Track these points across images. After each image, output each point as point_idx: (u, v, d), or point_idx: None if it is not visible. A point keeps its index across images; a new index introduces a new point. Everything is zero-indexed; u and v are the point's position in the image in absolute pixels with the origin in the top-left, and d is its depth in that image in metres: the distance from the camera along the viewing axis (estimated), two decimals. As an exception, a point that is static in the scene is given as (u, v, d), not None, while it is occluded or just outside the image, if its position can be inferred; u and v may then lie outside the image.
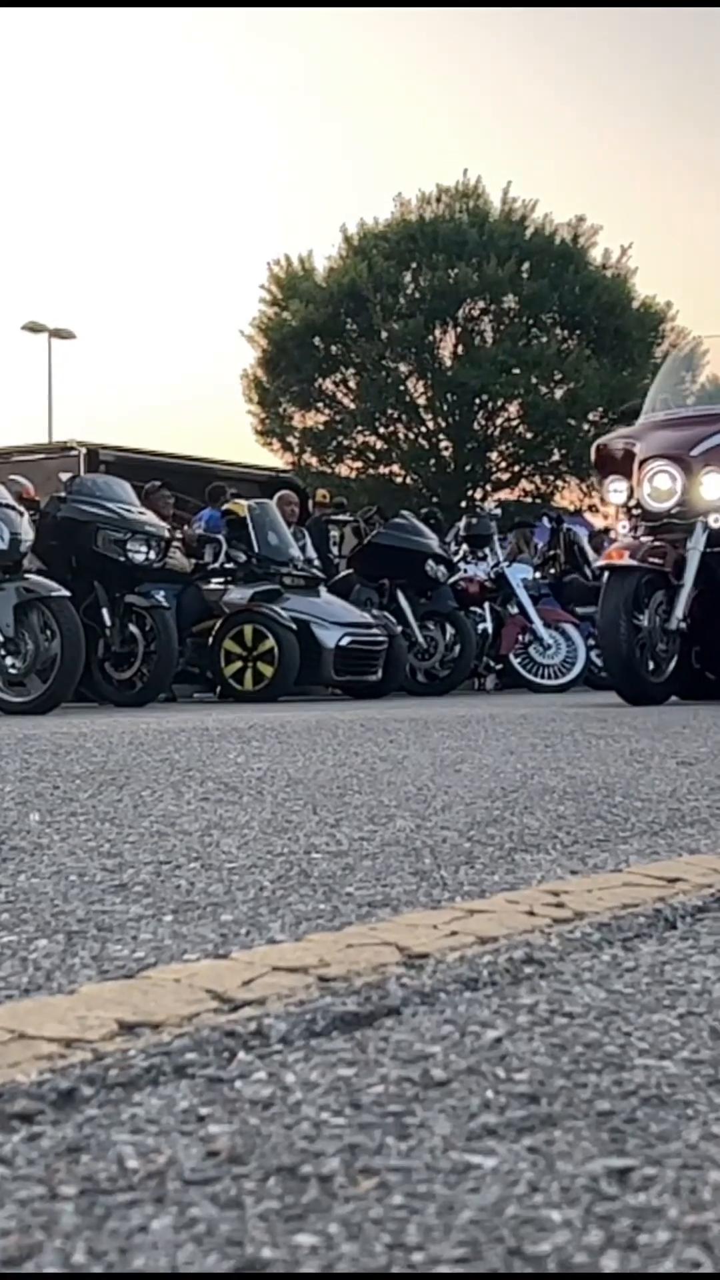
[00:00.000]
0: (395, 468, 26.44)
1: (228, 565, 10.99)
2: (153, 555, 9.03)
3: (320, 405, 26.10)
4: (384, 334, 24.97)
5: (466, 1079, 0.97)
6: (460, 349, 25.37)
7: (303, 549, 11.88)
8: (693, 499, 7.41)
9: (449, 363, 25.41)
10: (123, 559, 8.84)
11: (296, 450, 26.05)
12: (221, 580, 11.02)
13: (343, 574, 12.67)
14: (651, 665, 7.37)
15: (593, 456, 8.33)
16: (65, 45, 54.43)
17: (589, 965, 1.32)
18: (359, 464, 26.42)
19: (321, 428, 26.10)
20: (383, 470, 26.34)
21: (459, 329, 25.45)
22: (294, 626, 10.22)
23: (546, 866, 1.89)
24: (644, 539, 7.47)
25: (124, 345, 50.65)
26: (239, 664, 10.33)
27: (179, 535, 10.95)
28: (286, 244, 46.22)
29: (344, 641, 10.52)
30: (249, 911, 1.55)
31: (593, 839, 2.16)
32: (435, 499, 23.12)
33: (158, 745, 3.90)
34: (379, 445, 26.24)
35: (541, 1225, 0.73)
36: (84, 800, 2.60)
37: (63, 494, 9.14)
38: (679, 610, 7.33)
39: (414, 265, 25.29)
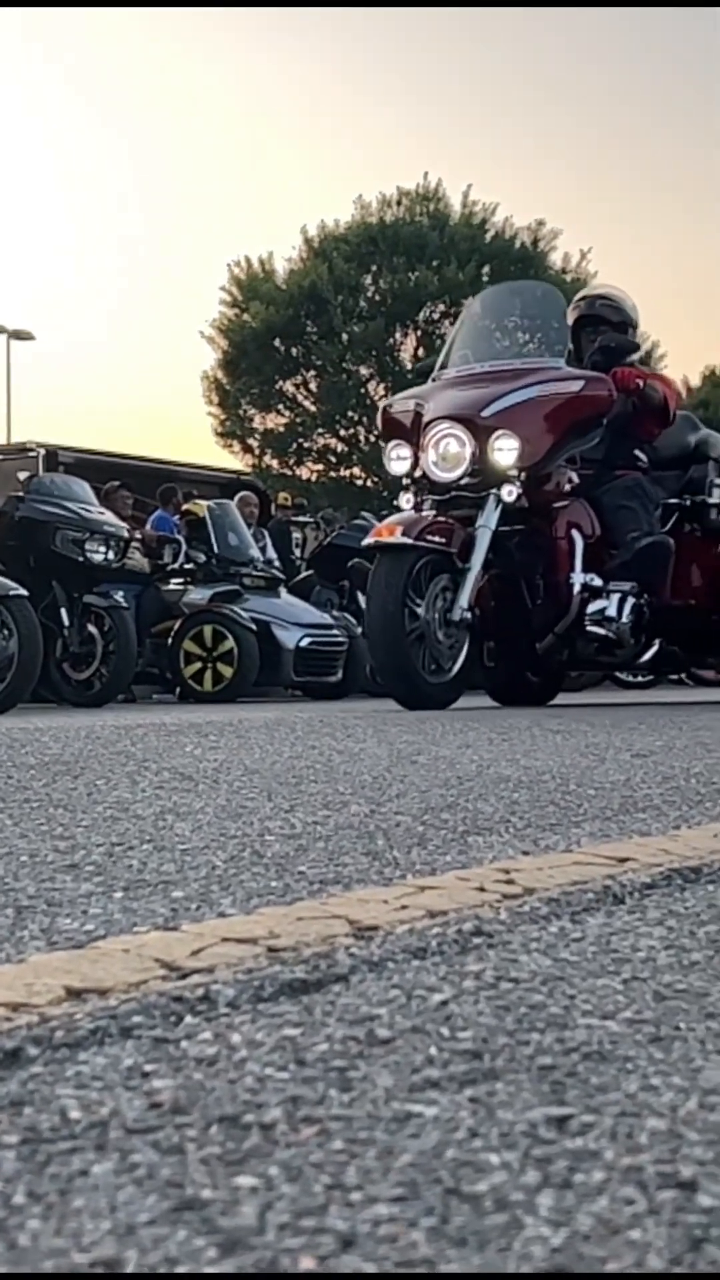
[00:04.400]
0: (356, 470, 26.48)
1: (187, 566, 10.98)
2: (111, 555, 9.02)
3: (281, 407, 26.11)
4: (345, 336, 25.03)
5: (411, 1037, 0.98)
6: (421, 352, 25.43)
7: (263, 550, 11.88)
8: (485, 468, 6.37)
9: (410, 365, 25.45)
10: (81, 559, 8.83)
11: (257, 452, 26.06)
12: (181, 581, 11.02)
13: (303, 575, 12.68)
14: (432, 663, 6.29)
15: (379, 422, 7.23)
16: (29, 42, 54.21)
17: (537, 936, 1.33)
18: (320, 466, 26.46)
19: (282, 430, 26.12)
20: (344, 473, 26.38)
21: (420, 332, 25.54)
22: (254, 627, 10.23)
23: (498, 847, 1.90)
24: (427, 514, 6.42)
25: (83, 346, 50.49)
26: (198, 664, 10.32)
27: (138, 535, 10.93)
28: (246, 245, 46.19)
29: (304, 642, 10.54)
30: (200, 889, 1.55)
31: (545, 823, 2.17)
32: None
33: (114, 739, 3.89)
34: (340, 448, 26.29)
35: (479, 1167, 0.74)
36: (38, 789, 2.60)
37: (21, 494, 9.11)
38: (464, 598, 6.25)
39: (374, 268, 25.36)
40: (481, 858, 1.81)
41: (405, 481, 6.70)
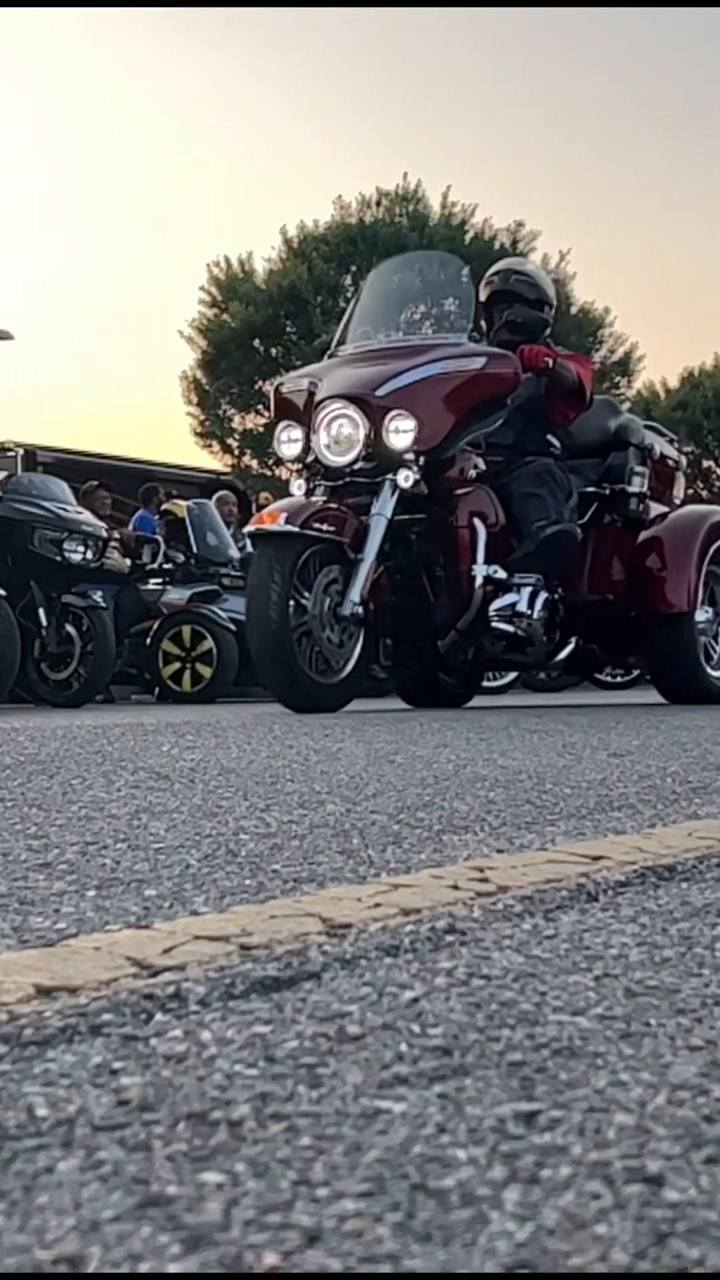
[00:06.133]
0: (335, 471, 26.45)
1: (166, 566, 10.97)
2: (90, 555, 9.00)
3: (260, 407, 26.05)
4: (324, 337, 24.99)
5: (381, 1034, 0.98)
6: (400, 353, 25.42)
7: (242, 550, 11.86)
8: (380, 451, 5.90)
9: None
10: (59, 558, 8.80)
11: (236, 452, 26.02)
12: (160, 581, 11.00)
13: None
14: (320, 662, 5.78)
15: (271, 402, 6.58)
16: (8, 39, 54.01)
17: (509, 934, 1.33)
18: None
19: (261, 430, 26.05)
20: (323, 473, 26.34)
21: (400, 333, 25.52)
22: (233, 627, 10.21)
23: (473, 846, 1.90)
24: (317, 500, 5.95)
25: (62, 346, 50.30)
26: (177, 665, 10.31)
27: (117, 535, 10.92)
28: (226, 245, 46.11)
29: (283, 642, 10.50)
30: (173, 887, 1.55)
31: (521, 821, 2.17)
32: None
33: (90, 739, 3.88)
34: (319, 448, 26.22)
35: (447, 1163, 0.74)
36: (13, 788, 2.59)
37: (-2, 493, 9.09)
38: (355, 591, 5.73)
39: (354, 268, 25.32)
40: (456, 856, 1.81)
41: (297, 466, 6.23)
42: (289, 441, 6.18)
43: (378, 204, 26.03)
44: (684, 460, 7.99)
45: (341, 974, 1.16)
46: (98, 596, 9.19)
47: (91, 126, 52.43)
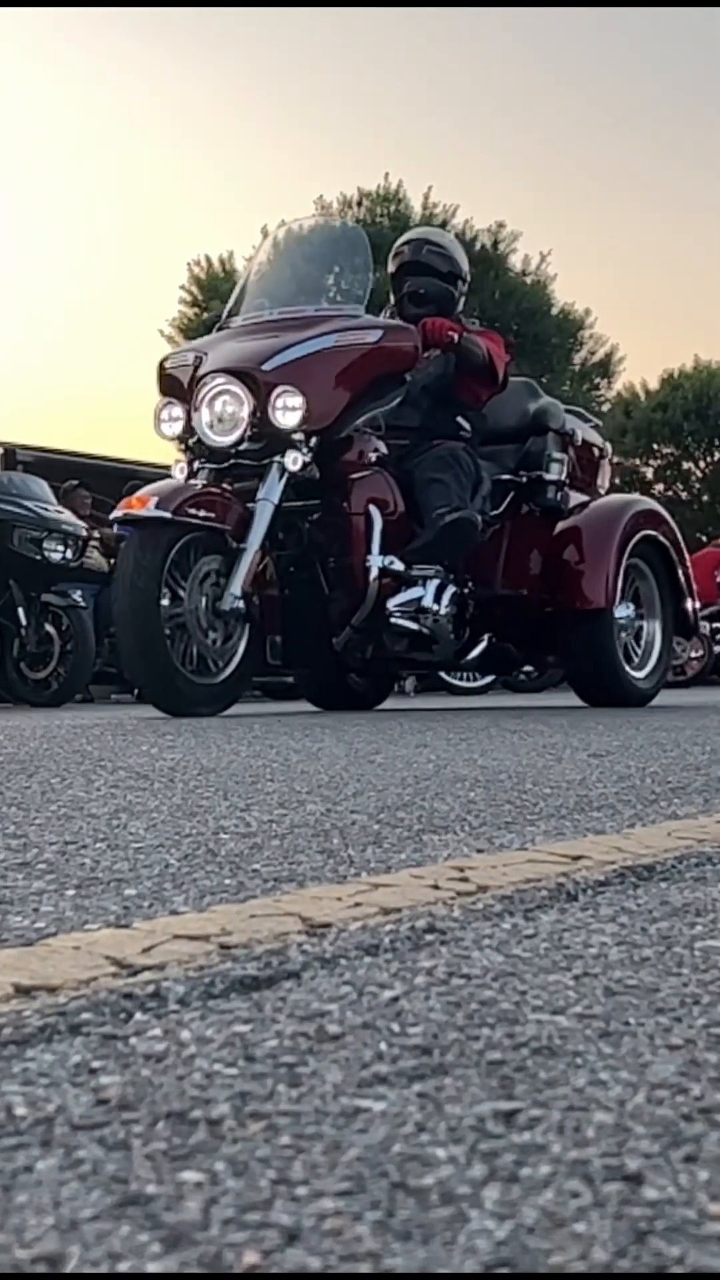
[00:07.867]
0: (316, 471, 26.47)
1: (146, 565, 10.94)
2: (70, 554, 9.00)
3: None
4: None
5: (361, 1033, 0.98)
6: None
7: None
8: (267, 431, 5.46)
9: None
10: (39, 558, 8.80)
11: (217, 452, 26.02)
12: (140, 580, 10.96)
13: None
14: (197, 661, 5.32)
15: (156, 379, 6.02)
16: (-16, 42, 53.87)
17: (489, 933, 1.33)
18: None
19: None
20: (303, 473, 26.35)
21: (380, 333, 25.56)
22: (213, 627, 10.18)
23: (454, 846, 1.91)
24: (195, 484, 5.49)
25: (43, 345, 50.24)
26: (157, 664, 10.27)
27: (97, 535, 10.90)
28: (207, 244, 46.08)
29: (263, 642, 10.49)
30: (153, 886, 1.55)
31: (501, 821, 2.18)
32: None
33: (70, 738, 3.88)
34: (300, 448, 26.24)
35: (426, 1161, 0.74)
36: (-8, 787, 2.58)
37: (-22, 492, 9.07)
38: (236, 584, 5.28)
39: (336, 268, 25.37)
40: (436, 855, 1.81)
41: (180, 448, 5.83)
42: (169, 420, 5.71)
43: (359, 204, 26.09)
44: (610, 447, 7.59)
45: (321, 973, 1.16)
46: (77, 596, 9.17)
47: (74, 126, 52.33)
